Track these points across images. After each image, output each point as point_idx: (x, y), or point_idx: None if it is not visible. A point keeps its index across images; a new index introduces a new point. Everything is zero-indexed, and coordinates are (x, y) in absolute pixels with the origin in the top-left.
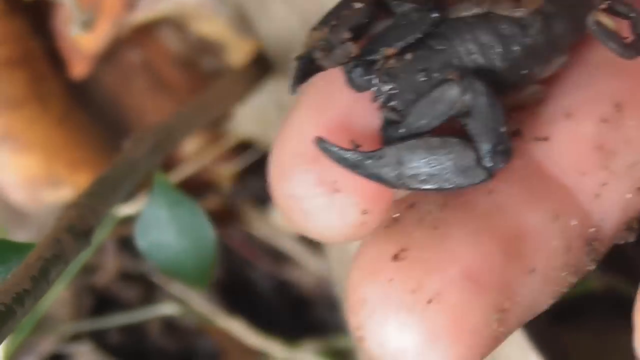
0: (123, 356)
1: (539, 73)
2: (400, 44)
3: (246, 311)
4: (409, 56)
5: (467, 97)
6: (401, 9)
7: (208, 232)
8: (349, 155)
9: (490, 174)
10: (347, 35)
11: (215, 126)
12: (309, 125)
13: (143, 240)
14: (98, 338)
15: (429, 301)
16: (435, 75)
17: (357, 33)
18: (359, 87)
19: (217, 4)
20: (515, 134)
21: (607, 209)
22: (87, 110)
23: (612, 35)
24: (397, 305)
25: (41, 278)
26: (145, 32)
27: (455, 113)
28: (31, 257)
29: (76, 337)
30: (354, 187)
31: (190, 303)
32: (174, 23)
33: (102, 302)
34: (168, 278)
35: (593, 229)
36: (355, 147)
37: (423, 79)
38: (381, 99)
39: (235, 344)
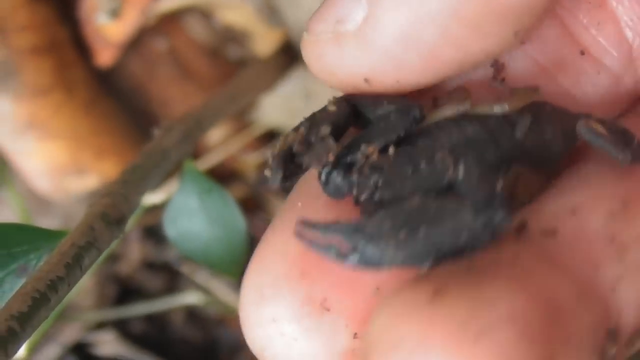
0: (146, 345)
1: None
2: (382, 142)
3: None
4: (391, 151)
5: (460, 167)
6: (378, 112)
7: (239, 220)
8: (335, 227)
9: (491, 228)
10: (325, 130)
11: (242, 115)
12: (289, 243)
13: (172, 228)
14: (121, 327)
15: (477, 337)
16: (422, 167)
17: (334, 135)
18: (337, 192)
19: None
20: (520, 227)
21: (624, 306)
22: (112, 98)
23: (606, 139)
24: (441, 342)
25: (75, 265)
26: (171, 20)
27: (446, 185)
28: (64, 244)
29: (100, 326)
30: (345, 305)
31: (214, 292)
32: (200, 11)
33: (126, 291)
34: (192, 267)
35: (613, 325)
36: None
37: (410, 171)
38: (365, 195)
39: None
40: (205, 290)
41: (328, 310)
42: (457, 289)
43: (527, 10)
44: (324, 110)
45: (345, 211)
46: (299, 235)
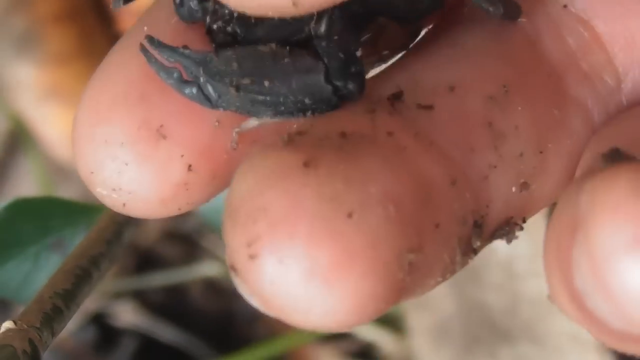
0: (164, 315)
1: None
2: None
3: None
4: None
5: (323, 21)
6: None
7: None
8: (181, 52)
9: (341, 96)
10: None
11: None
12: (131, 63)
13: None
14: (140, 297)
15: (349, 215)
16: None
17: None
18: (190, 15)
19: None
20: (397, 96)
21: (493, 196)
22: None
23: None
24: (310, 214)
25: (115, 241)
26: None
27: (305, 37)
28: (103, 220)
29: (118, 296)
30: (182, 134)
31: None
32: None
33: (145, 260)
34: (211, 238)
35: (480, 216)
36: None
37: None
38: (218, 24)
39: None
40: (223, 261)
41: (164, 137)
42: (330, 162)
43: None
44: None
45: (194, 41)
46: (143, 51)
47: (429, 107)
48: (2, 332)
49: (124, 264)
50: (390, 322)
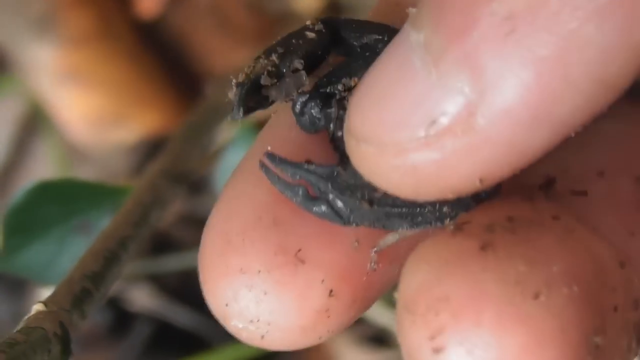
0: (179, 299)
1: None
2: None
3: None
4: None
5: None
6: (362, 41)
7: None
8: (305, 168)
9: (478, 199)
10: (298, 64)
11: None
12: (259, 186)
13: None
14: (155, 281)
15: (536, 296)
16: None
17: (309, 65)
18: (312, 125)
19: None
20: (549, 184)
21: None
22: (154, 49)
23: None
24: (496, 299)
25: (142, 223)
26: None
27: None
28: (130, 202)
29: (134, 279)
30: (322, 258)
31: None
32: None
33: (161, 244)
34: None
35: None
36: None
37: None
38: (343, 131)
39: None
40: None
41: (303, 262)
42: (507, 244)
43: None
44: (301, 34)
45: (317, 152)
46: (265, 169)
47: (583, 193)
48: (33, 314)
49: (141, 247)
50: None
